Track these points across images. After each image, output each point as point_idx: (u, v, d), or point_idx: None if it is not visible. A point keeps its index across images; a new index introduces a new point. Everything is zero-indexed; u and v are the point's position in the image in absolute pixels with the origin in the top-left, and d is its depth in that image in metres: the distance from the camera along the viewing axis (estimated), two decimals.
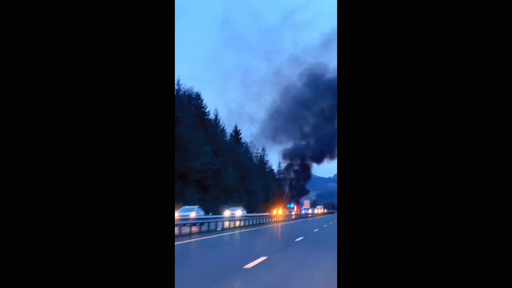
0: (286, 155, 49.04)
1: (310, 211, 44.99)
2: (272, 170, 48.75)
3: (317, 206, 59.10)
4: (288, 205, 41.75)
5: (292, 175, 50.21)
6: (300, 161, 49.23)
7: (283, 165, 49.63)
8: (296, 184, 50.27)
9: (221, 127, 36.86)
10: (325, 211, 58.03)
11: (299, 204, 46.80)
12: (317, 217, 36.29)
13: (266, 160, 46.53)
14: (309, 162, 49.86)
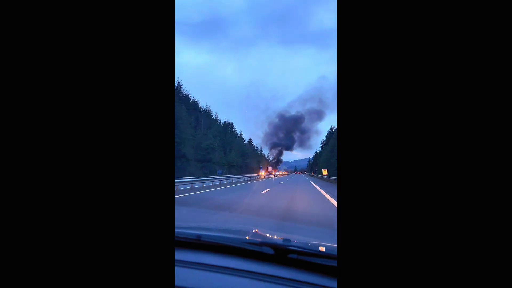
0: (272, 145, 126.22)
1: (280, 172, 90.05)
2: (264, 154, 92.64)
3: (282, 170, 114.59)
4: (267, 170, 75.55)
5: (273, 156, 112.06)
6: (278, 150, 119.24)
7: (270, 152, 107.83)
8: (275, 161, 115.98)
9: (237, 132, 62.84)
10: (287, 173, 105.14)
11: (276, 170, 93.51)
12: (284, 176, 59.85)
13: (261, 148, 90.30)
14: (283, 150, 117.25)
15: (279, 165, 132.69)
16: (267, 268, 0.88)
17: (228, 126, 61.38)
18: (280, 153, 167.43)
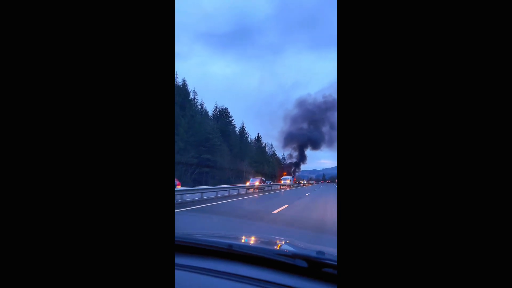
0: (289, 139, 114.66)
1: (303, 182, 71.85)
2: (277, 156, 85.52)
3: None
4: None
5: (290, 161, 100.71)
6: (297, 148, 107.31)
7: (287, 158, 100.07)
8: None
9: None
10: (309, 183, 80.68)
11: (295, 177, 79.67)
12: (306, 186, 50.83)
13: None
14: (305, 150, 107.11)
15: (297, 171, 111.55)
16: (300, 282, 0.85)
17: (223, 114, 55.48)
18: (302, 155, 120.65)
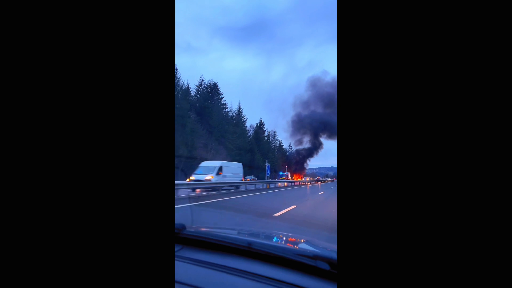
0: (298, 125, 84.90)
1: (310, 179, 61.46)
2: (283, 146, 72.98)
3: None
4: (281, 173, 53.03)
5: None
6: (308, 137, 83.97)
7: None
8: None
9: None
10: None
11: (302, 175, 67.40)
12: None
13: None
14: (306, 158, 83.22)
15: (306, 166, 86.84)
16: (322, 285, 0.83)
17: (211, 91, 46.17)
18: (316, 143, 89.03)
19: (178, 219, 1.02)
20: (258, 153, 51.21)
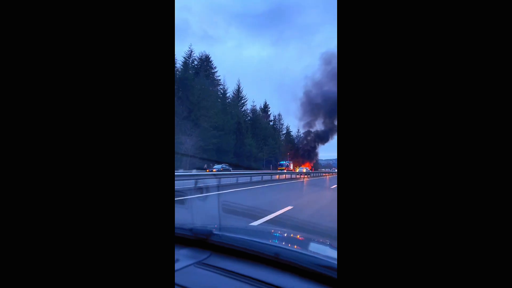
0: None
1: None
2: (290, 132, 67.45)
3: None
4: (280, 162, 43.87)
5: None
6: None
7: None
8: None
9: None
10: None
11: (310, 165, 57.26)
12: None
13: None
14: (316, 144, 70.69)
15: (315, 156, 69.70)
16: None
17: (202, 64, 41.42)
18: (328, 129, 71.26)
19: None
20: (251, 138, 44.17)
